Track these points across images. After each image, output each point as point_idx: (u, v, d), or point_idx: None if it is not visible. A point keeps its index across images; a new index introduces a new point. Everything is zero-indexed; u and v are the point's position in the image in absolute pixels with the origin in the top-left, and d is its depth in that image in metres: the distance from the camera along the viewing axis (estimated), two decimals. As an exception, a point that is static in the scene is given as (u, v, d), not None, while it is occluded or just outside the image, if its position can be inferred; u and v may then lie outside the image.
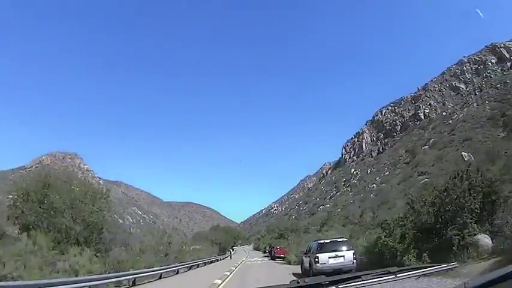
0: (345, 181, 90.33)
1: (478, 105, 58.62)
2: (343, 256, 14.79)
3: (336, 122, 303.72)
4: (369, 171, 79.04)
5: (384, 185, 61.42)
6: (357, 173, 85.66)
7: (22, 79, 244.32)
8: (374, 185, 66.43)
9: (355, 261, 14.76)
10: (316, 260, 14.99)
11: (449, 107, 71.75)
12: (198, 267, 28.22)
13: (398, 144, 77.87)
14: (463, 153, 27.03)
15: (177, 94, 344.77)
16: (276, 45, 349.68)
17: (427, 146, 61.56)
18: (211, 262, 33.40)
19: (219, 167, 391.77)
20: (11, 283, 9.34)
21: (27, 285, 9.36)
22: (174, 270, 22.09)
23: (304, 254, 18.24)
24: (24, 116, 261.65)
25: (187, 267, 25.36)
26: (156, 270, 18.82)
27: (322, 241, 16.65)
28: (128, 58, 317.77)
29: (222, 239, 64.29)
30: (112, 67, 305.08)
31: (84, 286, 11.36)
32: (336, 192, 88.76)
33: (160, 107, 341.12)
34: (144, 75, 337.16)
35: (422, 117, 78.31)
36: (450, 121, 63.12)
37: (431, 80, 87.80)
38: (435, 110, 76.70)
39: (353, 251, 15.11)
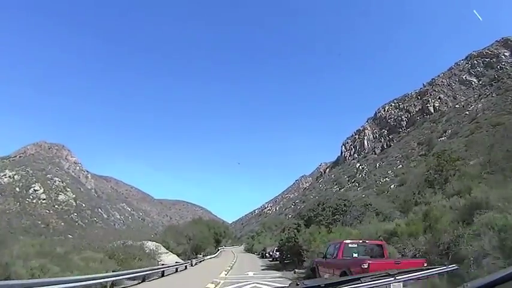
0: (349, 177, 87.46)
1: (498, 94, 56.80)
2: None
3: (332, 123, 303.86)
4: (377, 165, 76.45)
5: (399, 177, 58.89)
6: (363, 168, 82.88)
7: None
8: (387, 178, 63.77)
9: None
10: None
11: (462, 99, 69.98)
12: None
13: (408, 138, 75.81)
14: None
15: (175, 94, 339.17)
16: (270, 46, 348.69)
17: (444, 137, 59.31)
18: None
19: (211, 167, 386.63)
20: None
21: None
22: None
23: None
24: (12, 106, 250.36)
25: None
26: None
27: None
28: (126, 56, 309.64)
29: (200, 236, 44.21)
30: (111, 65, 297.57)
31: None
32: (340, 189, 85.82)
33: (159, 106, 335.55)
34: (141, 74, 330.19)
35: (432, 110, 76.48)
36: (467, 112, 61.05)
37: (439, 75, 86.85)
38: (446, 103, 75.00)
39: None
